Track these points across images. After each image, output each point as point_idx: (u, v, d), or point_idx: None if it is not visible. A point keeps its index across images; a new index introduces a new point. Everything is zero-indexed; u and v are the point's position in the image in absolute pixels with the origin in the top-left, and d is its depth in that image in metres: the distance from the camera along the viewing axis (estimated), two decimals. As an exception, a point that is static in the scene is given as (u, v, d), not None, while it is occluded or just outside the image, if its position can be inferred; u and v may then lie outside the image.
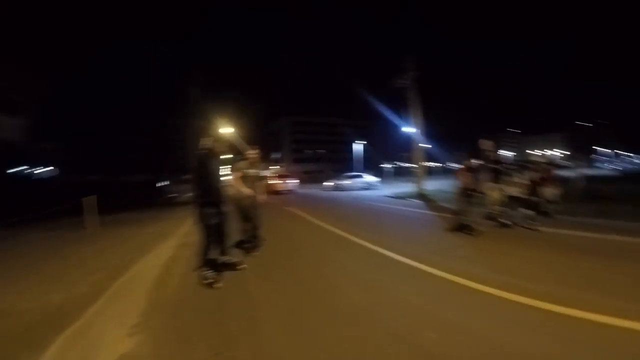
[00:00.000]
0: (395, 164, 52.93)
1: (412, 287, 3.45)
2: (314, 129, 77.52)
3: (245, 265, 4.36)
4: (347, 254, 5.04)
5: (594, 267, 3.76)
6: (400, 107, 18.35)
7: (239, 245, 5.17)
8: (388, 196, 15.72)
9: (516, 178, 6.42)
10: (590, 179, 11.02)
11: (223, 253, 4.09)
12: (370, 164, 45.70)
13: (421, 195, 13.55)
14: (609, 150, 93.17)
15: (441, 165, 53.20)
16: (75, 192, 9.44)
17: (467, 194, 6.03)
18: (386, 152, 58.61)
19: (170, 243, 6.55)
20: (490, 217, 6.69)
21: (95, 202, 9.05)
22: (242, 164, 4.98)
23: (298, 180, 26.01)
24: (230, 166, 5.01)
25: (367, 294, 3.30)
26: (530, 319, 2.59)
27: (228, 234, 4.11)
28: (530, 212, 6.36)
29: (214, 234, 3.81)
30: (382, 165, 44.24)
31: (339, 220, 8.25)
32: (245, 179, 4.90)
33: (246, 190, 4.79)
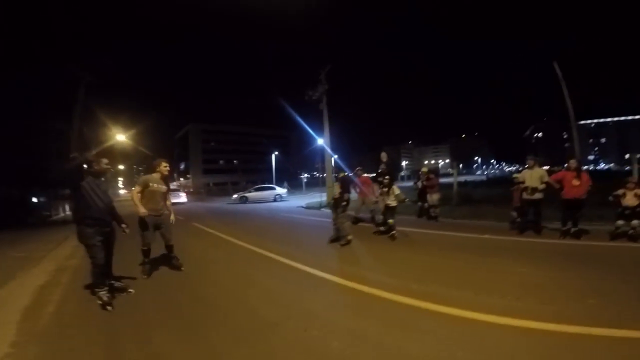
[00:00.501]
0: (314, 174, 54.71)
1: (318, 297, 3.62)
2: (228, 139, 74.60)
3: (132, 290, 3.88)
4: (254, 268, 4.99)
5: (474, 267, 4.39)
6: (317, 118, 19.05)
7: (142, 264, 4.64)
8: (301, 207, 16.20)
9: (396, 189, 6.69)
10: (462, 184, 13.36)
11: (108, 276, 3.69)
12: (288, 174, 46.29)
13: (330, 204, 14.32)
14: (479, 159, 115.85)
15: (352, 174, 57.21)
16: None
17: (337, 204, 6.31)
18: (305, 162, 60.20)
19: (44, 267, 5.53)
20: (378, 224, 7.37)
21: None
22: (152, 177, 4.49)
23: (185, 194, 26.85)
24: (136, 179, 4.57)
25: (275, 308, 3.30)
26: (416, 319, 2.87)
27: (111, 255, 3.70)
28: (391, 220, 6.63)
29: (99, 254, 3.43)
30: (301, 176, 45.24)
31: (247, 234, 8.13)
32: (152, 194, 4.41)
33: (141, 210, 4.26)
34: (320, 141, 19.65)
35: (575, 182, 5.82)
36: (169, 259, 4.85)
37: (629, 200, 5.30)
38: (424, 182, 9.31)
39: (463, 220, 8.24)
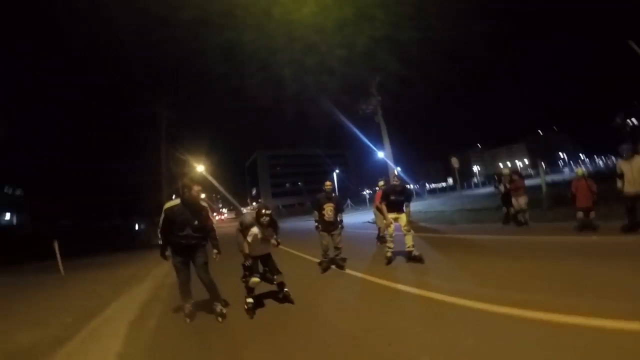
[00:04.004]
0: (376, 189, 53.80)
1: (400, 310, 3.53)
2: (291, 162, 78.08)
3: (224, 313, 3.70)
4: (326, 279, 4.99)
5: (584, 271, 4.03)
6: (375, 132, 18.48)
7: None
8: (369, 222, 15.81)
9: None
10: (550, 185, 11.66)
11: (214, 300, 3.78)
12: (349, 191, 46.35)
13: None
14: (564, 156, 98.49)
15: (417, 186, 54.62)
16: (44, 238, 8.96)
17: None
18: (366, 177, 59.61)
19: (146, 285, 6.23)
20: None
21: (57, 246, 8.57)
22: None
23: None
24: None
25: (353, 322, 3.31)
26: (511, 329, 2.67)
27: (207, 281, 3.71)
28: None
29: (182, 275, 3.69)
30: (363, 192, 44.94)
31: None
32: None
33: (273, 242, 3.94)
34: (381, 154, 19.22)
35: None
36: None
37: None
38: (508, 185, 8.30)
39: (560, 223, 7.06)
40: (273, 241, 3.88)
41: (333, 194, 5.69)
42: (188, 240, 3.58)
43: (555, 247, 5.35)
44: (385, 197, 5.69)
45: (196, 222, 3.60)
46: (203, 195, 3.99)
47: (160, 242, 3.64)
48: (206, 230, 3.77)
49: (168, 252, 3.67)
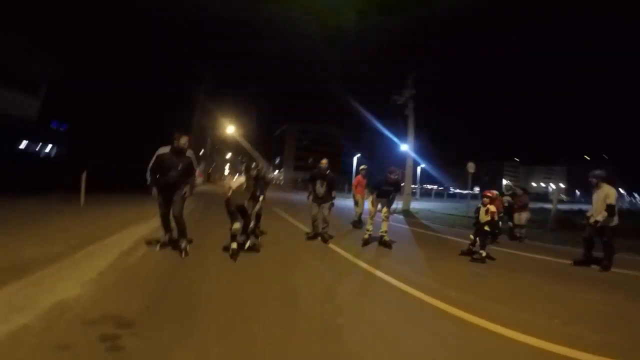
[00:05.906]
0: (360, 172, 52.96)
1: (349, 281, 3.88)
2: (318, 139, 78.14)
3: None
4: (304, 248, 5.39)
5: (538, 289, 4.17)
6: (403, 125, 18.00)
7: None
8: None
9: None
10: (568, 211, 11.24)
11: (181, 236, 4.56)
12: (370, 177, 45.99)
13: (405, 212, 13.90)
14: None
15: (442, 188, 53.21)
16: (76, 171, 9.74)
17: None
18: (387, 166, 58.66)
19: (149, 223, 6.84)
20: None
21: (84, 178, 9.32)
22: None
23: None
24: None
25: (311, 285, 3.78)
26: (437, 322, 2.93)
27: (178, 216, 4.49)
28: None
29: (162, 211, 4.61)
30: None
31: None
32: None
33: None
34: (405, 147, 18.95)
35: None
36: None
37: None
38: (512, 200, 8.14)
39: (555, 245, 6.97)
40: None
41: (327, 172, 5.97)
42: (171, 179, 4.34)
43: (525, 263, 5.48)
44: (377, 186, 5.95)
45: (180, 167, 4.35)
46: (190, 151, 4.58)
47: (149, 180, 4.42)
48: (188, 175, 4.49)
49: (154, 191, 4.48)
